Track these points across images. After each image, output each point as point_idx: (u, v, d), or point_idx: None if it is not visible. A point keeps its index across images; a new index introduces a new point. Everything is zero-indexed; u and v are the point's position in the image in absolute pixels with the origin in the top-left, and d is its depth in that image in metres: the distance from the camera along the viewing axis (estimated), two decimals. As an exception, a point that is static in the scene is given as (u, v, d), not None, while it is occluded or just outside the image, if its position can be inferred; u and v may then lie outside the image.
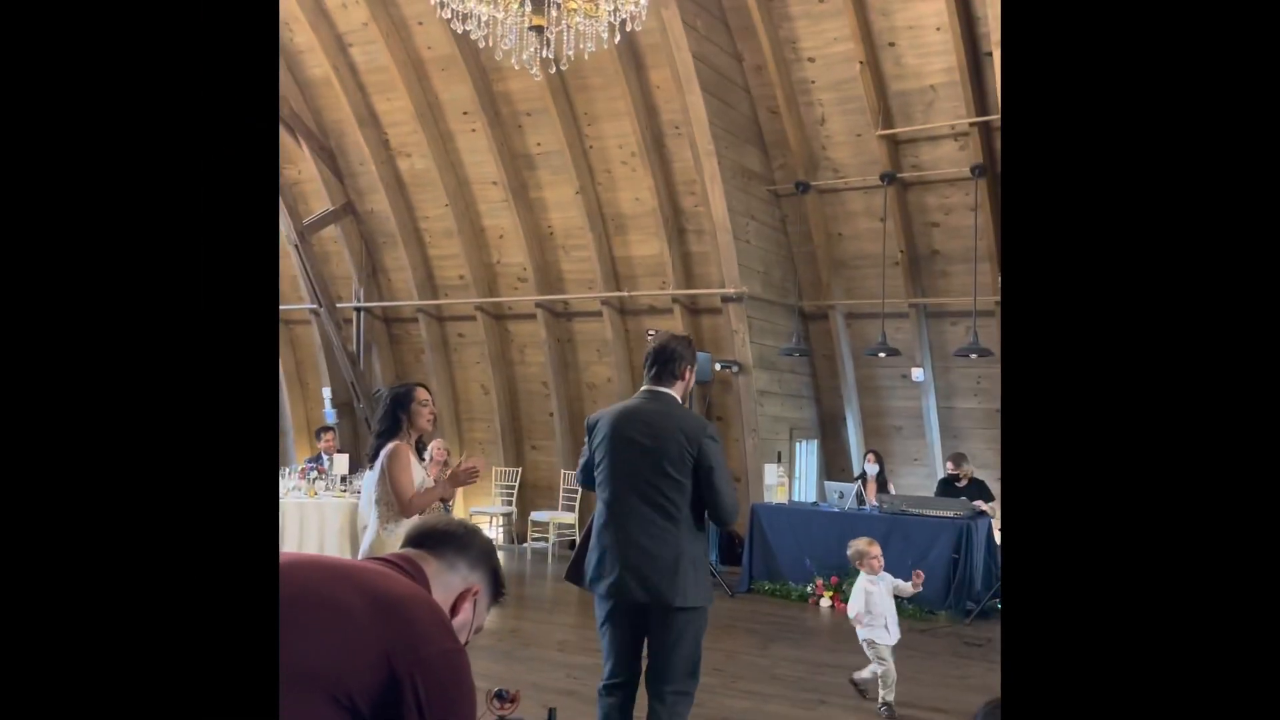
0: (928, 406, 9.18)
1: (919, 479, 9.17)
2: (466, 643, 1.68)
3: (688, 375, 3.36)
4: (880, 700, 4.63)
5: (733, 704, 4.79)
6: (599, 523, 3.28)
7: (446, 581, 1.68)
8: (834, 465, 9.83)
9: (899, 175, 8.65)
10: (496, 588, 1.75)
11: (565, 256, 9.93)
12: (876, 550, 4.73)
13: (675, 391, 3.31)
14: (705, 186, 8.68)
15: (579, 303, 9.90)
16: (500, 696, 1.74)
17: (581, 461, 3.44)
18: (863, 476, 8.27)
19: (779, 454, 9.16)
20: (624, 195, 9.45)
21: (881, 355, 8.63)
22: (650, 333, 9.00)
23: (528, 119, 9.48)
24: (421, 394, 4.25)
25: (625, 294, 9.52)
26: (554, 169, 9.55)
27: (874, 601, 4.64)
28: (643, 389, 3.34)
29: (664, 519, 3.13)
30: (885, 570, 4.79)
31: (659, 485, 3.14)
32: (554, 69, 5.26)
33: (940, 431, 9.16)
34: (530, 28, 4.83)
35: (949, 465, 8.21)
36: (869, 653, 4.66)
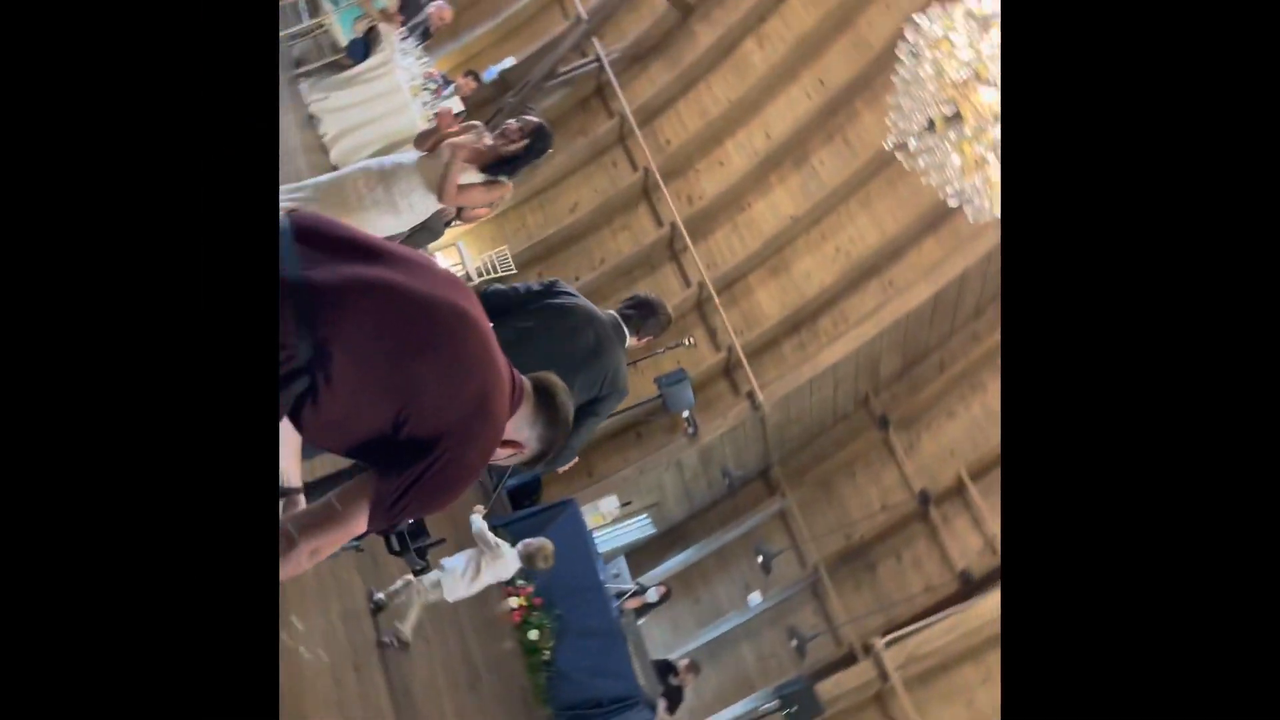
0: (728, 621, 9.31)
1: (657, 640, 9.28)
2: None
3: (640, 342, 3.50)
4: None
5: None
6: None
7: (519, 426, 1.86)
8: (636, 559, 9.90)
9: (929, 516, 8.72)
10: (536, 462, 1.96)
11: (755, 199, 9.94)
12: (530, 550, 4.64)
13: (629, 336, 3.42)
14: (849, 326, 8.74)
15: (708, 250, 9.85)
16: None
17: (502, 290, 3.44)
18: (640, 590, 8.38)
19: (629, 502, 9.26)
20: (812, 260, 9.47)
21: (760, 560, 8.71)
22: (689, 340, 9.06)
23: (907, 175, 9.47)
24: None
25: (717, 297, 9.47)
26: (845, 154, 9.47)
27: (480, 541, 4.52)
28: (614, 313, 3.43)
29: None
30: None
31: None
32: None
33: (715, 638, 9.30)
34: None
35: (683, 662, 8.34)
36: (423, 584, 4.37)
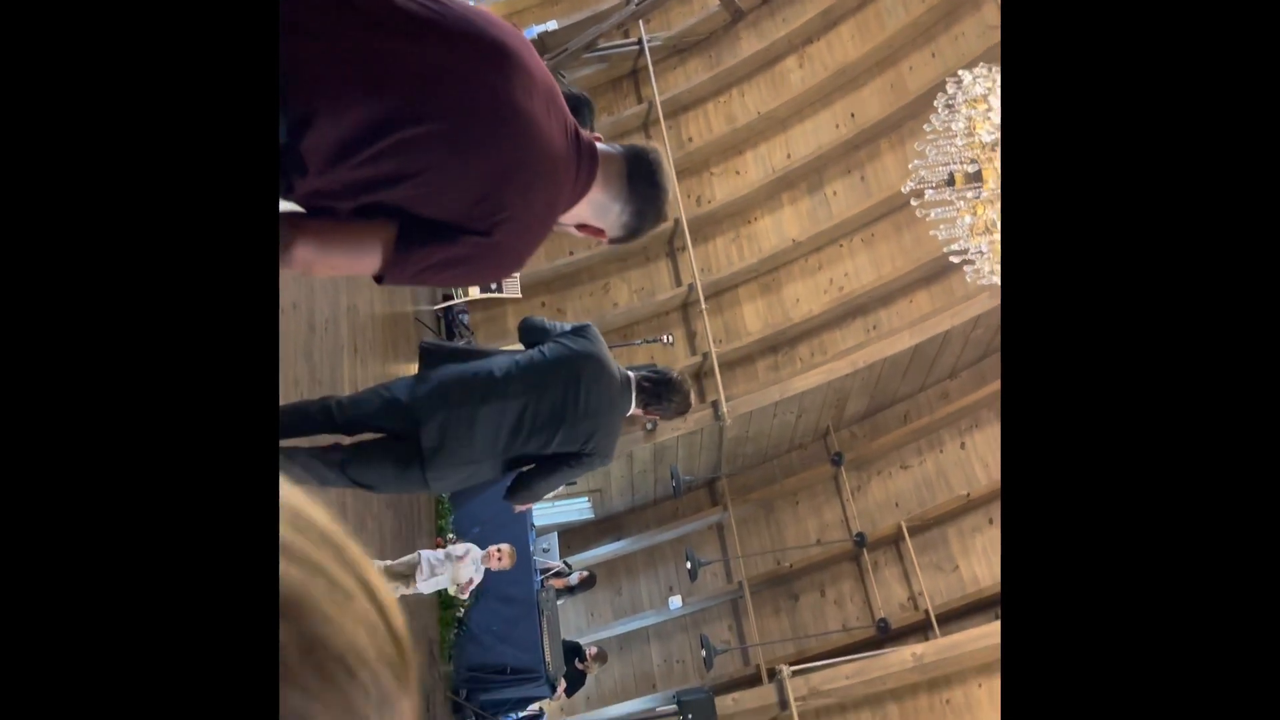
0: (644, 617, 9.36)
1: (571, 622, 9.32)
2: None
3: (646, 413, 3.19)
4: None
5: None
6: (489, 365, 3.08)
7: (600, 206, 1.64)
8: (568, 539, 9.92)
9: (860, 559, 8.80)
10: (619, 241, 1.75)
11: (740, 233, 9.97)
12: (493, 558, 5.08)
13: (634, 404, 3.12)
14: (826, 358, 8.79)
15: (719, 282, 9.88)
16: None
17: (542, 323, 3.23)
18: (566, 572, 8.41)
19: (574, 482, 9.28)
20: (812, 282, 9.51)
21: (688, 565, 8.77)
22: (668, 338, 9.07)
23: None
24: None
25: (704, 302, 9.50)
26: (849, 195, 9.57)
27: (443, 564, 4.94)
28: (630, 374, 3.17)
29: (493, 424, 2.92)
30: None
31: (528, 415, 2.93)
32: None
33: (628, 632, 9.36)
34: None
35: (592, 650, 8.37)
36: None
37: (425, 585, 4.76)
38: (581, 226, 1.67)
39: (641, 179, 1.64)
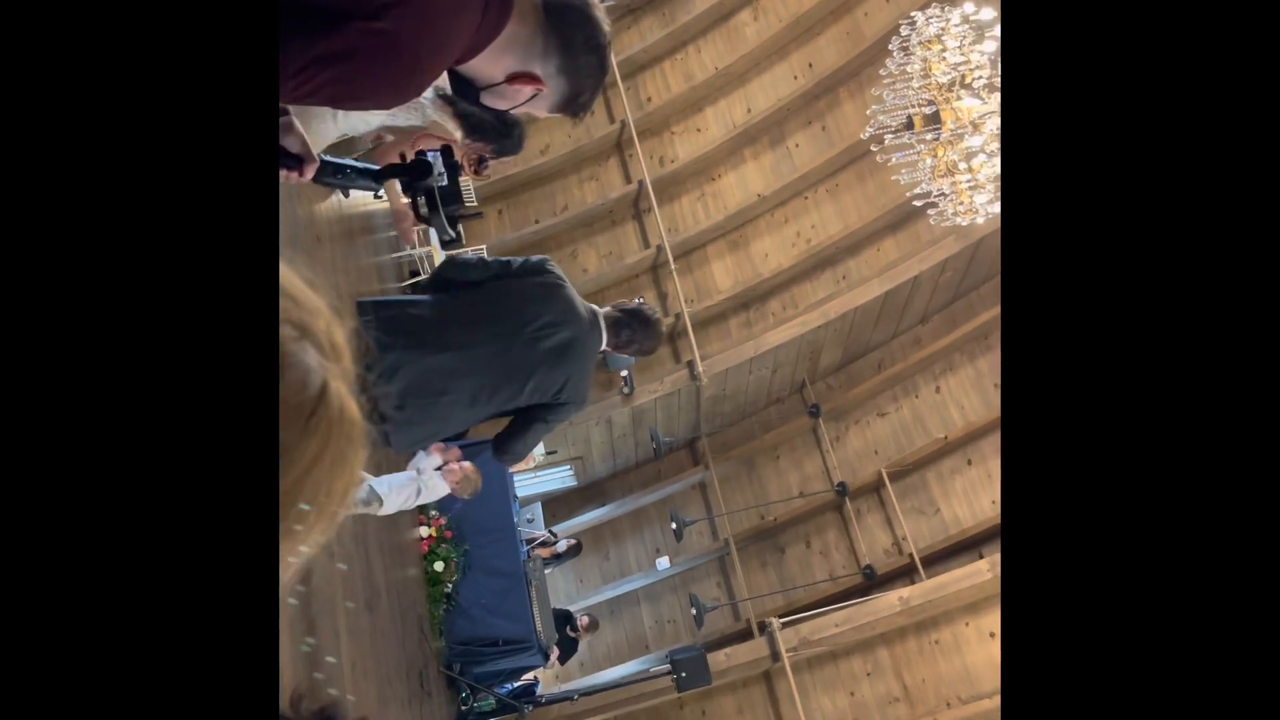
0: (632, 581, 9.41)
1: (561, 590, 9.37)
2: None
3: (620, 349, 3.03)
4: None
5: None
6: (418, 309, 2.87)
7: (521, 51, 1.49)
8: (552, 507, 9.96)
9: (843, 508, 8.87)
10: (563, 109, 1.58)
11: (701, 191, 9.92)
12: (454, 476, 4.92)
13: (606, 341, 2.97)
14: (798, 312, 8.80)
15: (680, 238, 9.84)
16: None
17: (472, 258, 3.00)
18: (552, 541, 8.43)
19: (554, 451, 9.28)
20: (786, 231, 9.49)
21: (673, 526, 8.81)
22: (640, 300, 9.04)
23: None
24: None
25: (673, 263, 9.48)
26: (818, 146, 9.53)
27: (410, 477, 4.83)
28: (596, 309, 3.01)
29: (458, 379, 2.75)
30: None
31: (494, 367, 2.78)
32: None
33: (617, 596, 9.40)
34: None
35: (584, 619, 8.42)
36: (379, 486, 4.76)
37: (390, 506, 4.71)
38: (513, 78, 1.52)
39: (558, 25, 1.50)
